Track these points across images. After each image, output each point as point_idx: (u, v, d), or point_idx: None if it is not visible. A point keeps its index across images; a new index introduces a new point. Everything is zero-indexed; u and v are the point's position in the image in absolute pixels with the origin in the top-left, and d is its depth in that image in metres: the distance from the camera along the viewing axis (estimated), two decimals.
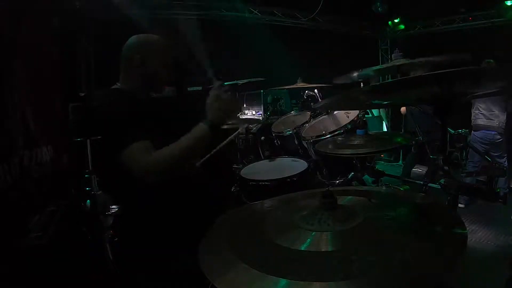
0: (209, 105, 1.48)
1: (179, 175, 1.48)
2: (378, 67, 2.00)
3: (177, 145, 1.43)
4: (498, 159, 4.18)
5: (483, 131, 4.26)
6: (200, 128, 1.45)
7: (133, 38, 1.64)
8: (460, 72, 0.80)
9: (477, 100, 4.27)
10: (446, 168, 1.13)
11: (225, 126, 2.87)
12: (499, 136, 4.19)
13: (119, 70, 1.66)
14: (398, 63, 1.91)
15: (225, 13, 5.76)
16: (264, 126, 3.73)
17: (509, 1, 5.81)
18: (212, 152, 2.02)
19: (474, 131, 4.36)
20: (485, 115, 4.25)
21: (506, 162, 4.22)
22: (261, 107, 5.27)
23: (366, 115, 2.72)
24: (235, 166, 2.74)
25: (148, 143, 1.41)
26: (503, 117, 4.17)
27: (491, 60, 4.00)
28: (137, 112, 1.49)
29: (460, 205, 3.82)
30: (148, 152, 1.40)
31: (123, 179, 1.49)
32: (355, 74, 2.06)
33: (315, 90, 3.30)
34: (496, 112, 4.18)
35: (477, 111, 4.33)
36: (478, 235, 3.52)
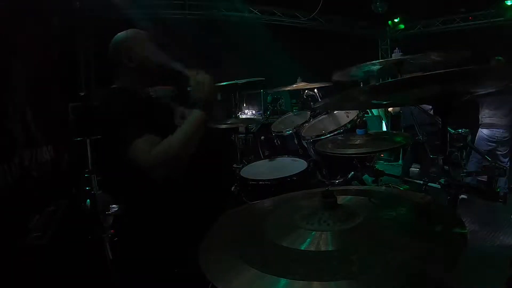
0: (195, 90, 1.52)
1: (184, 168, 1.48)
2: (376, 62, 1.99)
3: (175, 135, 1.44)
4: (502, 158, 4.21)
5: (491, 129, 4.29)
6: (197, 114, 1.49)
7: (115, 39, 1.65)
8: (461, 71, 0.80)
9: (486, 99, 4.30)
10: (446, 168, 1.13)
11: (224, 126, 2.88)
12: (507, 134, 4.22)
13: (112, 72, 1.66)
14: (394, 60, 1.91)
15: (225, 13, 5.76)
16: (264, 126, 3.74)
17: (509, 1, 5.81)
18: None
19: (482, 128, 4.38)
20: (496, 113, 4.28)
21: (508, 162, 4.24)
22: (261, 107, 5.27)
23: (365, 115, 2.72)
24: (235, 166, 2.74)
25: (153, 137, 1.41)
26: (511, 115, 4.20)
27: (501, 58, 4.01)
28: (138, 108, 1.48)
29: (463, 196, 3.83)
30: (155, 145, 1.40)
31: (124, 179, 1.49)
32: (354, 69, 2.05)
33: (315, 90, 3.30)
34: (507, 110, 4.21)
35: (486, 110, 4.36)
36: (478, 235, 3.52)
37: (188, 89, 1.57)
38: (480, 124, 4.41)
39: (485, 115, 4.37)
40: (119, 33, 1.66)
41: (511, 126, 4.22)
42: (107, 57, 1.65)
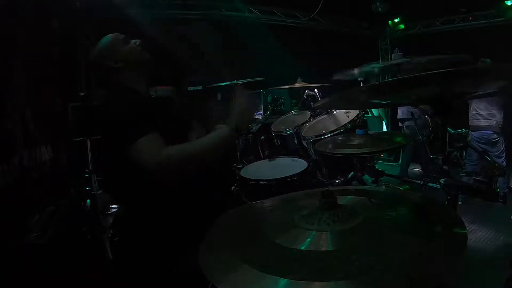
0: (237, 110, 1.49)
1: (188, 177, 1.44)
2: (377, 64, 2.00)
3: (197, 143, 1.41)
4: (496, 159, 4.19)
5: (480, 131, 4.30)
6: (227, 131, 1.45)
7: (95, 49, 1.64)
8: (460, 71, 0.80)
9: (474, 101, 4.30)
10: (446, 167, 1.13)
11: None
12: (495, 136, 4.22)
13: (103, 83, 1.64)
14: (397, 62, 1.91)
15: (225, 13, 5.76)
16: (264, 126, 3.73)
17: (509, 1, 5.81)
18: None
19: (472, 131, 4.40)
20: (482, 115, 4.28)
21: (504, 162, 4.23)
22: (261, 107, 5.27)
23: (365, 115, 2.72)
24: (235, 166, 2.74)
25: (158, 136, 1.38)
26: (500, 116, 4.19)
27: (488, 60, 4.01)
28: (138, 108, 1.47)
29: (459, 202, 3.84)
30: (159, 146, 1.36)
31: (124, 178, 1.49)
32: (355, 71, 2.06)
33: (315, 90, 3.30)
34: (493, 111, 4.21)
35: (474, 112, 4.36)
36: (478, 235, 3.52)
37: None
38: (470, 126, 4.43)
39: (473, 117, 4.38)
40: (97, 45, 1.65)
41: (500, 128, 4.21)
42: (93, 69, 1.63)
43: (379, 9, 6.36)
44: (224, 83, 3.48)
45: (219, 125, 1.48)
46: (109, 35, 1.65)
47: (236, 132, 1.46)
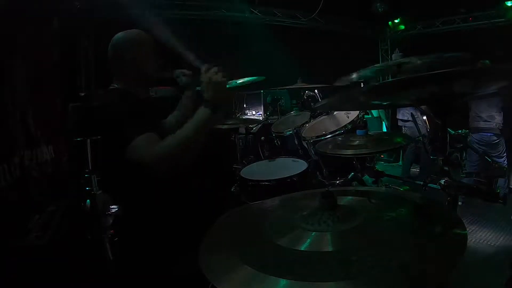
0: (205, 87, 1.47)
1: (185, 167, 1.45)
2: (376, 66, 2.00)
3: (181, 132, 1.42)
4: (497, 159, 4.19)
5: (480, 133, 4.30)
6: (202, 111, 1.45)
7: (118, 38, 1.62)
8: (460, 72, 0.80)
9: (474, 103, 4.30)
10: (446, 168, 1.13)
11: (224, 126, 2.88)
12: (495, 138, 4.22)
13: (112, 71, 1.63)
14: (395, 63, 1.91)
15: (225, 13, 5.76)
16: (264, 126, 3.73)
17: (509, 2, 5.81)
18: None
19: (472, 133, 4.40)
20: (482, 117, 4.27)
21: (506, 161, 4.23)
22: (261, 107, 5.27)
23: (366, 116, 2.72)
24: (235, 166, 2.74)
25: (154, 135, 1.40)
26: (499, 118, 4.19)
27: (487, 61, 4.00)
28: (139, 108, 1.47)
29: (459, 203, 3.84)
30: (155, 143, 1.38)
31: (124, 179, 1.49)
32: (354, 75, 2.06)
33: (315, 90, 3.30)
34: (493, 113, 4.20)
35: (474, 114, 4.37)
36: (478, 235, 3.52)
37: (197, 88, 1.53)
38: (470, 129, 4.42)
39: (473, 119, 4.38)
40: (119, 33, 1.63)
41: (500, 129, 4.21)
42: (106, 57, 1.63)
43: (379, 9, 6.35)
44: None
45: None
46: (145, 33, 1.65)
47: (214, 108, 1.45)
